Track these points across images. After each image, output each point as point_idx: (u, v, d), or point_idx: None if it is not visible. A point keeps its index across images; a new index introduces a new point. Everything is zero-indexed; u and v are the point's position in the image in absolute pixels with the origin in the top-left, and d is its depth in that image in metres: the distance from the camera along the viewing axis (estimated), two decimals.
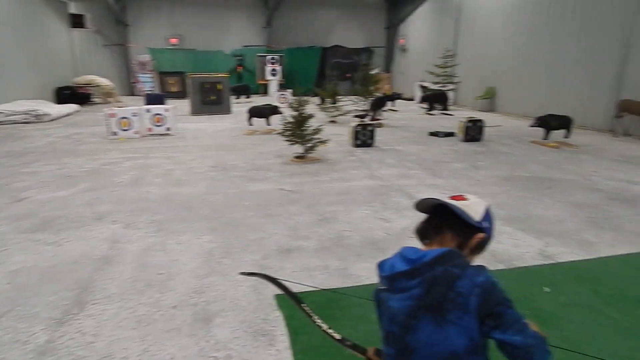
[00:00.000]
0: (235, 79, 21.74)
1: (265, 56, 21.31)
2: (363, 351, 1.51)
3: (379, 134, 9.70)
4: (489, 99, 15.65)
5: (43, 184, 6.11)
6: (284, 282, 1.71)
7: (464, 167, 7.16)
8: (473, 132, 9.53)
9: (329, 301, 3.05)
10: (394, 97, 15.46)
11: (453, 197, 1.28)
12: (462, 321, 1.09)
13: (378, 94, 14.22)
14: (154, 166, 7.24)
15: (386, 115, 13.62)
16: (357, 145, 8.86)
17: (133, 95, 21.75)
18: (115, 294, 3.15)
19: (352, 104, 14.44)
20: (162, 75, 20.74)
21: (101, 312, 2.92)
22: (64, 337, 2.64)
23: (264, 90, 21.83)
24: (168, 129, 10.39)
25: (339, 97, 13.66)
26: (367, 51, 24.49)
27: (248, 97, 19.34)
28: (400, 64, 24.04)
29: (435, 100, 15.15)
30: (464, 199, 1.26)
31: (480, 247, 1.25)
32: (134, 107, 10.23)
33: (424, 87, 17.84)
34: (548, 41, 12.73)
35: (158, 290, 3.20)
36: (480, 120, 9.59)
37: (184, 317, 2.86)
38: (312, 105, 9.29)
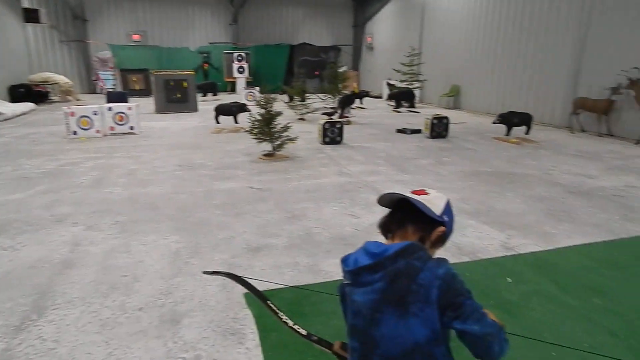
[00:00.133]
0: (201, 76, 21.35)
1: (232, 53, 21.02)
2: (329, 346, 1.52)
3: (348, 131, 9.77)
4: (454, 97, 16.05)
5: None
6: (248, 280, 1.69)
7: (430, 163, 7.32)
8: (438, 129, 9.74)
9: (299, 298, 3.05)
10: (361, 95, 15.60)
11: (415, 192, 1.30)
12: (423, 313, 1.12)
13: (346, 92, 14.31)
14: (117, 166, 7.02)
15: (354, 113, 13.73)
16: (326, 143, 8.89)
17: (94, 93, 21.00)
18: (77, 298, 3.03)
19: (320, 102, 14.47)
20: (125, 72, 20.07)
21: (62, 317, 2.81)
22: (22, 345, 2.52)
23: (231, 88, 21.55)
24: (131, 128, 10.09)
25: (307, 94, 13.66)
26: (335, 49, 24.62)
27: (215, 95, 19.05)
28: (368, 62, 24.29)
29: (402, 98, 15.39)
30: (426, 194, 1.29)
31: (441, 240, 1.28)
32: (94, 106, 9.87)
33: (391, 85, 18.09)
34: (508, 40, 13.16)
35: (123, 293, 3.11)
36: (445, 118, 9.82)
37: (150, 319, 2.79)
38: (280, 103, 9.25)
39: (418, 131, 10.27)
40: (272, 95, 7.75)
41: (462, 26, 15.42)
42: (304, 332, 1.56)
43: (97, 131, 9.64)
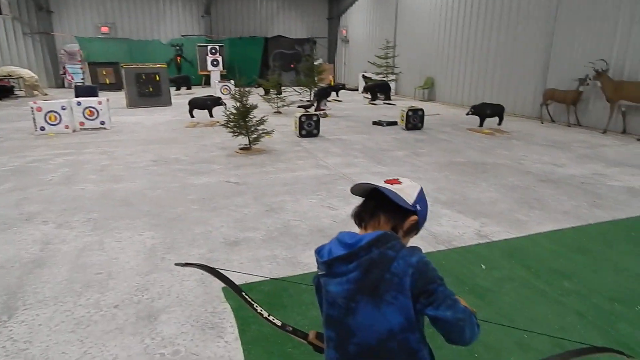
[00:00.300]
0: (174, 69, 20.95)
1: (205, 46, 20.67)
2: (304, 336, 1.52)
3: (324, 124, 9.77)
4: (428, 89, 16.24)
5: None
6: (222, 272, 1.67)
7: (406, 155, 7.40)
8: (414, 120, 9.85)
9: (278, 290, 3.05)
10: (338, 87, 15.62)
11: (387, 181, 1.30)
12: (397, 301, 1.13)
13: (322, 85, 14.30)
14: (88, 162, 6.83)
15: (330, 106, 13.74)
16: (303, 136, 8.87)
17: (62, 87, 20.33)
18: (49, 298, 2.95)
19: (296, 95, 14.42)
20: (94, 66, 19.45)
21: (34, 317, 2.73)
22: None
23: (205, 81, 21.22)
24: (102, 123, 9.83)
25: (283, 87, 13.58)
26: (310, 42, 24.51)
27: (189, 89, 18.73)
28: (343, 54, 24.29)
29: (378, 90, 15.49)
30: (399, 183, 1.29)
31: (414, 228, 1.28)
32: (62, 100, 9.55)
33: (366, 78, 18.17)
34: (480, 33, 13.39)
35: (97, 291, 3.04)
36: (420, 110, 9.93)
37: (126, 316, 2.74)
38: (255, 96, 9.17)
39: (394, 123, 10.36)
40: (248, 89, 7.67)
41: (435, 19, 15.58)
42: (279, 322, 1.55)
43: (66, 126, 9.35)
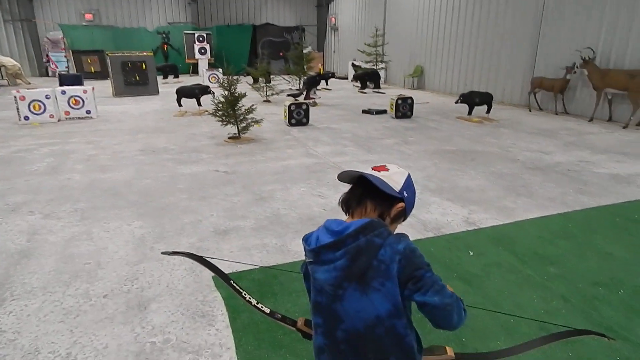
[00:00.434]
0: (161, 58, 20.64)
1: (193, 34, 20.37)
2: (293, 323, 1.53)
3: (314, 112, 9.74)
4: (418, 77, 16.24)
5: None
6: (209, 260, 1.66)
7: (395, 143, 7.42)
8: (403, 109, 9.86)
9: (268, 278, 3.07)
10: (327, 76, 15.54)
11: (375, 168, 1.29)
12: (384, 287, 1.14)
13: (311, 73, 14.21)
14: (74, 152, 6.74)
15: (320, 94, 13.67)
16: (292, 124, 8.83)
17: (46, 76, 19.93)
18: (37, 288, 2.93)
19: (285, 83, 14.32)
20: (78, 54, 19.07)
21: (22, 307, 2.71)
22: None
23: (193, 69, 20.95)
24: (88, 112, 9.68)
25: (272, 76, 13.47)
26: (299, 30, 24.27)
27: (176, 77, 18.49)
28: (333, 42, 24.13)
29: (367, 78, 15.44)
30: (386, 170, 1.28)
31: (401, 215, 1.28)
32: (46, 89, 9.37)
33: (356, 66, 18.09)
34: (470, 20, 13.38)
35: (86, 281, 3.03)
36: (410, 98, 9.94)
37: (116, 305, 2.74)
38: (244, 85, 9.08)
39: (383, 112, 10.37)
40: (236, 77, 7.60)
41: (424, 6, 15.51)
42: (267, 310, 1.56)
43: (51, 116, 9.19)
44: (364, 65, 17.20)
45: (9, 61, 16.72)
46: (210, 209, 4.39)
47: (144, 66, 13.83)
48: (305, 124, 8.92)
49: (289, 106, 8.83)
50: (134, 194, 4.82)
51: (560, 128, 8.71)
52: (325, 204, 4.51)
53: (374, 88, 15.46)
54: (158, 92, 14.09)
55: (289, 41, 23.09)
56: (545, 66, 10.77)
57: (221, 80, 7.92)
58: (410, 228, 3.84)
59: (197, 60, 20.22)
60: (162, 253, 1.75)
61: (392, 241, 1.15)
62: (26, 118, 8.97)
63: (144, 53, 14.38)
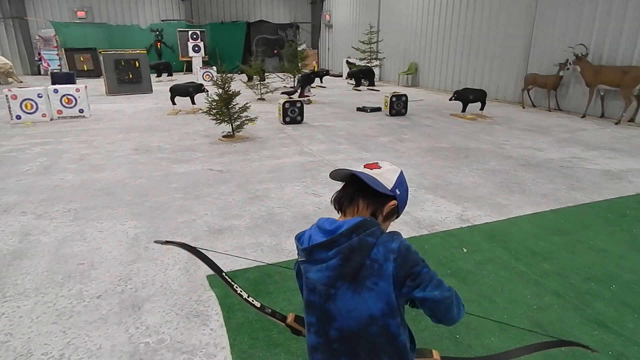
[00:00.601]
0: (154, 55, 20.51)
1: (186, 32, 20.25)
2: (283, 318, 1.53)
3: (308, 110, 9.73)
4: (412, 75, 16.25)
5: None
6: (203, 251, 1.65)
7: (390, 141, 7.43)
8: (398, 106, 9.87)
9: (263, 277, 3.06)
10: (321, 73, 15.51)
11: (367, 166, 1.28)
12: (378, 287, 1.13)
13: (306, 71, 14.18)
14: (67, 151, 6.69)
15: (314, 92, 13.66)
16: (287, 122, 8.82)
17: (38, 74, 19.75)
18: (30, 289, 2.91)
19: (280, 81, 14.29)
20: (71, 52, 18.89)
21: (15, 309, 2.69)
22: None
23: (187, 67, 20.84)
24: (81, 111, 9.61)
25: (267, 74, 13.43)
26: (293, 27, 24.21)
27: (170, 75, 18.38)
28: (327, 40, 24.08)
29: (362, 76, 15.43)
30: (378, 167, 1.27)
31: (394, 213, 1.28)
32: (38, 88, 9.28)
33: (350, 64, 18.07)
34: (463, 18, 13.39)
35: (79, 281, 3.01)
36: (404, 95, 9.95)
37: (110, 306, 2.73)
38: (238, 83, 9.05)
39: (378, 109, 10.37)
40: (230, 75, 7.56)
41: (418, 3, 15.51)
42: (257, 304, 1.56)
43: (44, 115, 9.12)
44: (358, 63, 17.18)
45: (0, 60, 16.56)
46: (205, 208, 4.38)
47: (137, 64, 13.74)
48: (300, 122, 8.91)
49: (284, 104, 8.81)
50: (127, 194, 4.80)
51: (553, 125, 8.75)
52: (319, 202, 4.52)
53: (369, 85, 15.45)
54: (152, 91, 14.01)
55: (283, 38, 23.00)
56: (539, 63, 10.81)
57: (215, 78, 7.88)
58: (405, 225, 3.85)
59: (191, 58, 20.11)
60: (155, 242, 1.74)
61: (385, 240, 1.15)
62: (18, 117, 8.89)
63: (137, 51, 14.28)
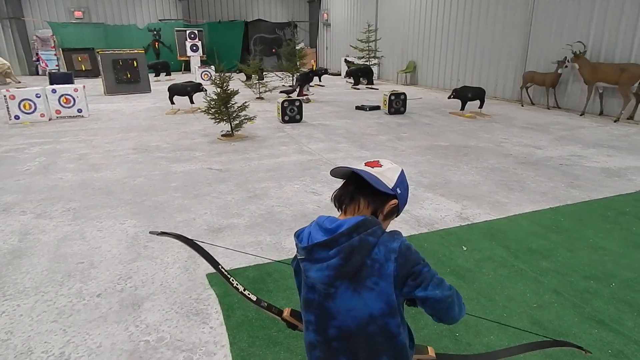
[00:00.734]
0: (152, 55, 20.47)
1: (184, 31, 20.22)
2: (279, 312, 1.53)
3: (307, 109, 9.73)
4: (411, 73, 16.25)
5: None
6: (199, 243, 1.64)
7: (389, 139, 7.43)
8: (397, 105, 9.87)
9: (262, 275, 3.06)
10: (320, 72, 15.50)
11: (368, 164, 1.28)
12: (378, 286, 1.13)
13: (304, 70, 14.17)
14: (66, 151, 6.68)
15: (313, 91, 13.65)
16: (285, 121, 8.82)
17: (36, 74, 19.71)
18: (30, 288, 2.91)
19: (278, 80, 14.27)
20: (68, 52, 18.84)
21: (15, 307, 2.69)
22: None
23: (185, 67, 20.81)
24: (80, 111, 9.59)
25: (265, 73, 13.42)
26: (291, 26, 24.17)
27: (168, 75, 18.36)
28: (325, 38, 24.07)
29: (360, 74, 15.42)
30: (379, 166, 1.26)
31: (394, 212, 1.27)
32: (36, 88, 9.27)
33: (349, 62, 18.06)
34: (461, 16, 13.40)
35: (79, 280, 3.01)
36: (403, 94, 9.95)
37: (110, 304, 2.73)
38: (237, 82, 9.04)
39: (377, 108, 10.37)
40: (228, 74, 7.56)
41: (416, 1, 15.50)
42: (254, 298, 1.55)
43: (42, 115, 9.10)
44: (357, 61, 17.17)
45: None
46: (204, 207, 4.38)
47: (135, 64, 13.72)
48: (299, 120, 8.90)
49: (282, 103, 8.81)
50: (126, 193, 4.80)
51: (552, 122, 8.77)
52: (319, 201, 4.52)
53: (367, 84, 15.45)
54: (150, 90, 13.99)
55: (281, 37, 22.97)
56: (537, 61, 10.82)
57: (213, 77, 7.87)
58: (404, 224, 3.85)
59: (189, 57, 20.08)
60: (150, 232, 1.72)
61: (386, 239, 1.15)
62: (17, 117, 8.88)
63: (135, 51, 14.25)
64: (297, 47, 14.47)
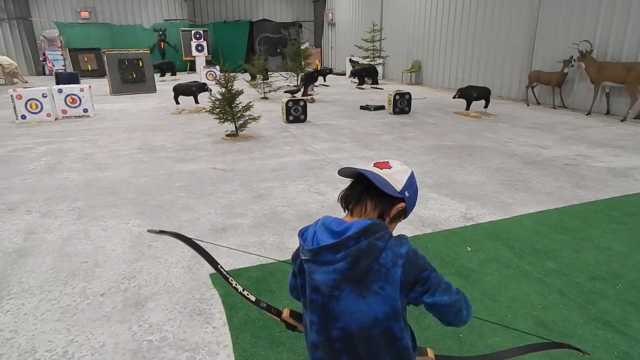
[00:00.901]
0: (158, 55, 20.57)
1: (189, 31, 20.28)
2: (278, 313, 1.52)
3: (311, 109, 9.73)
4: (415, 73, 16.20)
5: None
6: (197, 242, 1.64)
7: (393, 139, 7.41)
8: (401, 104, 9.84)
9: (265, 275, 3.06)
10: (325, 72, 15.48)
11: (377, 164, 1.25)
12: (384, 291, 1.12)
13: (309, 69, 14.17)
14: (71, 150, 6.72)
15: (318, 91, 13.65)
16: (290, 121, 8.82)
17: (43, 74, 19.85)
18: (34, 287, 2.93)
19: (283, 80, 14.28)
20: (75, 52, 18.96)
21: (19, 306, 2.70)
22: None
23: (190, 67, 20.87)
24: (85, 111, 9.65)
25: (270, 72, 13.43)
26: (296, 25, 24.16)
27: (173, 75, 18.42)
28: (330, 38, 24.05)
29: (365, 74, 15.40)
30: (388, 167, 1.23)
31: (401, 215, 1.25)
32: (43, 88, 9.33)
33: (353, 62, 18.03)
34: (467, 15, 13.33)
35: (83, 279, 3.02)
36: (407, 94, 9.92)
37: (113, 303, 2.74)
38: (241, 82, 9.06)
39: (381, 107, 10.35)
40: (233, 74, 7.57)
41: (421, 1, 15.45)
42: (253, 298, 1.54)
43: (48, 115, 9.17)
44: (361, 61, 17.14)
45: (5, 60, 16.65)
46: (208, 206, 4.39)
47: (140, 64, 13.78)
48: (303, 120, 8.90)
49: (287, 103, 8.81)
50: (131, 192, 4.82)
51: (557, 122, 8.70)
52: (323, 201, 4.51)
53: (372, 84, 15.42)
54: (155, 90, 14.05)
55: (286, 37, 22.99)
56: (543, 60, 10.75)
57: (218, 77, 7.89)
58: (409, 224, 3.84)
59: (194, 57, 20.14)
60: (149, 231, 1.71)
61: (394, 244, 1.13)
62: (23, 117, 8.94)
63: (141, 50, 14.31)
64: (301, 47, 14.46)
